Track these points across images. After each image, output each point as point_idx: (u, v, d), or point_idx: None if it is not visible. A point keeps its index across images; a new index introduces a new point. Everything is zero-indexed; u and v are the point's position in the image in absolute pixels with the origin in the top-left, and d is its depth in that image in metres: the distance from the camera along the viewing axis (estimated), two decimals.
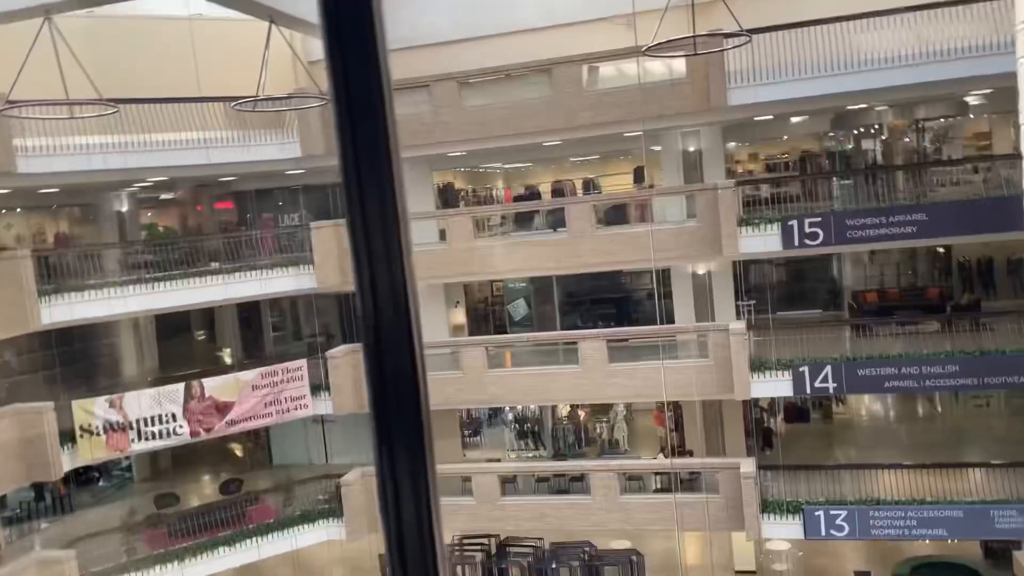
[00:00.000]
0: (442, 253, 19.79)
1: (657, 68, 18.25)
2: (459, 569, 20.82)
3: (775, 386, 17.96)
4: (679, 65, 17.93)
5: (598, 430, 22.76)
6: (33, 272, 16.56)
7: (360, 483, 20.04)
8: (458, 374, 19.85)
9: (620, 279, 24.00)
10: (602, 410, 23.29)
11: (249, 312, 26.01)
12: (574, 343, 19.30)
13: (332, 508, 20.11)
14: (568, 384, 19.02)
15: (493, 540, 21.16)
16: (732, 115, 18.39)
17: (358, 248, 1.34)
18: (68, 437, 17.13)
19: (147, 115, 17.81)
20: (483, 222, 21.33)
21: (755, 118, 19.75)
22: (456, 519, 20.01)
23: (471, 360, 19.61)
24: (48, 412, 16.55)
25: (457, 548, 21.33)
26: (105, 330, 24.05)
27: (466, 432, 24.36)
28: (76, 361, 21.90)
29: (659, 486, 19.48)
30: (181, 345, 27.07)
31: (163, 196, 28.43)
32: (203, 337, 28.44)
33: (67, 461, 17.08)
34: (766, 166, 25.31)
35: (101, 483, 23.86)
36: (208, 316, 28.04)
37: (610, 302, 23.86)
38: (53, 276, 17.49)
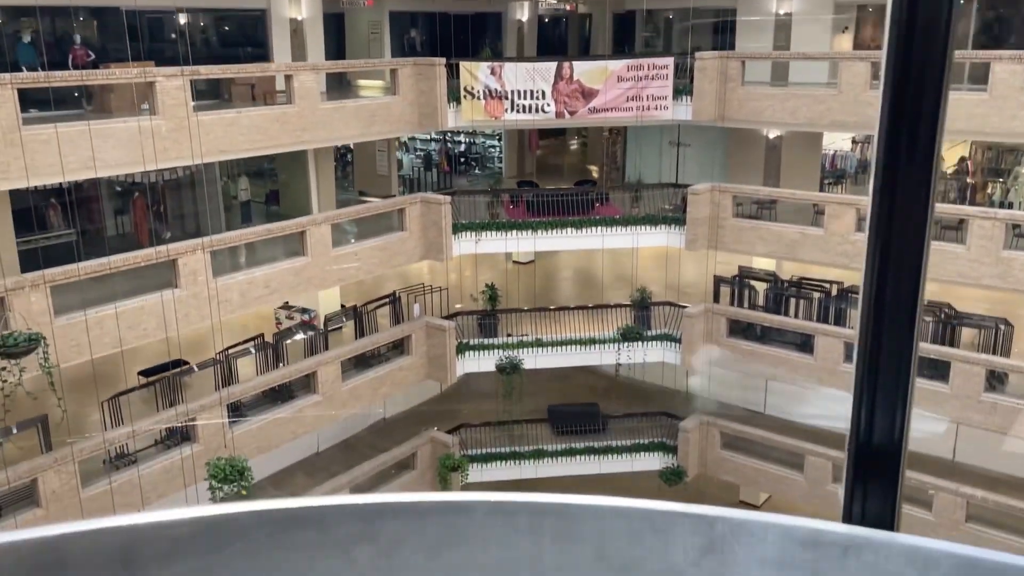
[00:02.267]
0: None
1: None
2: (794, 302, 20.23)
3: None
4: None
5: (989, 190, 19.72)
6: None
7: (707, 195, 19.87)
8: (833, 92, 18.14)
9: None
10: (997, 170, 20.05)
11: (624, 30, 25.96)
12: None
13: (676, 217, 20.32)
14: (966, 111, 16.29)
15: (835, 285, 20.07)
16: None
17: None
18: (454, 97, 18.95)
19: None
20: None
21: None
22: (801, 248, 19.14)
23: (851, 76, 17.66)
24: (440, 66, 18.34)
25: (794, 285, 20.66)
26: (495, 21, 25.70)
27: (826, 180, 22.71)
28: (460, 39, 23.75)
29: None
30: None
31: None
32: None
33: (451, 118, 19.01)
34: None
35: (476, 171, 26.71)
36: (585, 31, 28.56)
37: None
38: None
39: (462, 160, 26.48)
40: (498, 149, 26.81)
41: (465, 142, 27.62)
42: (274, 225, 16.43)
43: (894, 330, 1.38)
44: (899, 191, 1.37)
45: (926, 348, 17.99)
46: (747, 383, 23.36)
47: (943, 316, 18.13)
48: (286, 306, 20.60)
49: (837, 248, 18.35)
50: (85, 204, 16.98)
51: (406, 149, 26.54)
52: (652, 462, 21.71)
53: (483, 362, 20.69)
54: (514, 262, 28.00)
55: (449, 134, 28.09)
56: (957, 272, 16.88)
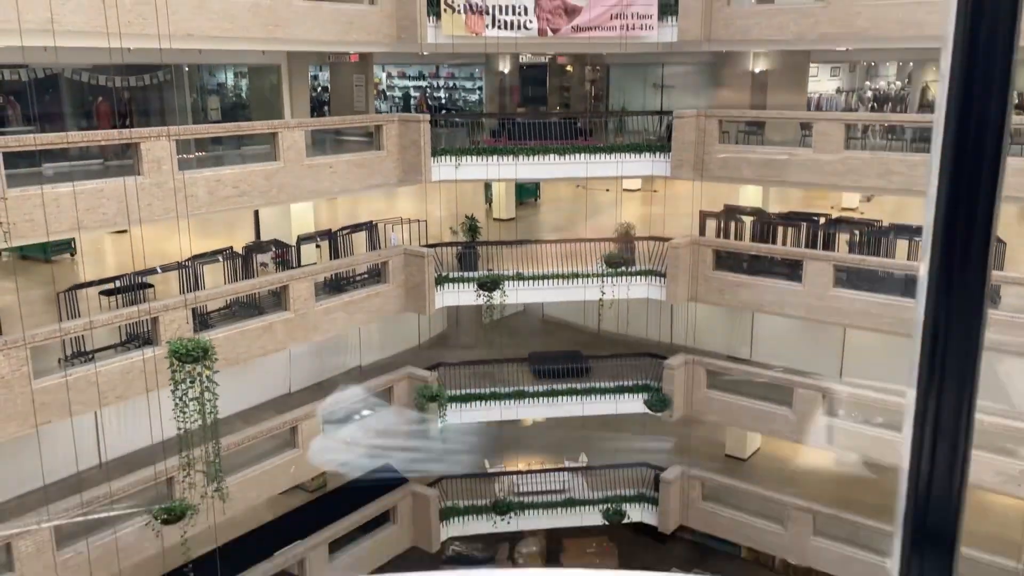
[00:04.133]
0: None
1: None
2: (782, 231, 19.80)
3: None
4: None
5: None
6: None
7: (693, 120, 19.45)
8: (821, 5, 17.83)
9: None
10: None
11: None
12: None
13: (661, 144, 19.88)
14: None
15: (824, 217, 19.69)
16: None
17: None
18: (434, 13, 18.44)
19: None
20: None
21: None
22: (790, 170, 18.73)
23: None
24: None
25: (782, 217, 20.25)
26: None
27: None
28: None
29: None
30: None
31: None
32: None
33: (431, 34, 18.48)
34: None
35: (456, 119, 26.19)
36: None
37: None
38: None
39: (442, 110, 25.95)
40: (478, 99, 26.33)
41: (444, 96, 27.16)
42: (245, 124, 15.78)
43: (952, 394, 1.21)
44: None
45: (913, 266, 17.61)
46: (733, 331, 22.89)
47: None
48: (257, 241, 19.87)
49: (826, 168, 17.95)
50: (45, 104, 16.20)
51: (384, 97, 26.02)
52: (636, 404, 21.07)
53: (462, 295, 20.01)
54: (495, 219, 27.48)
55: (428, 86, 27.61)
56: None
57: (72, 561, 13.50)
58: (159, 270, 15.15)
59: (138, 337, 14.55)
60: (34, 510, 13.39)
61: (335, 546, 18.57)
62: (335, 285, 18.34)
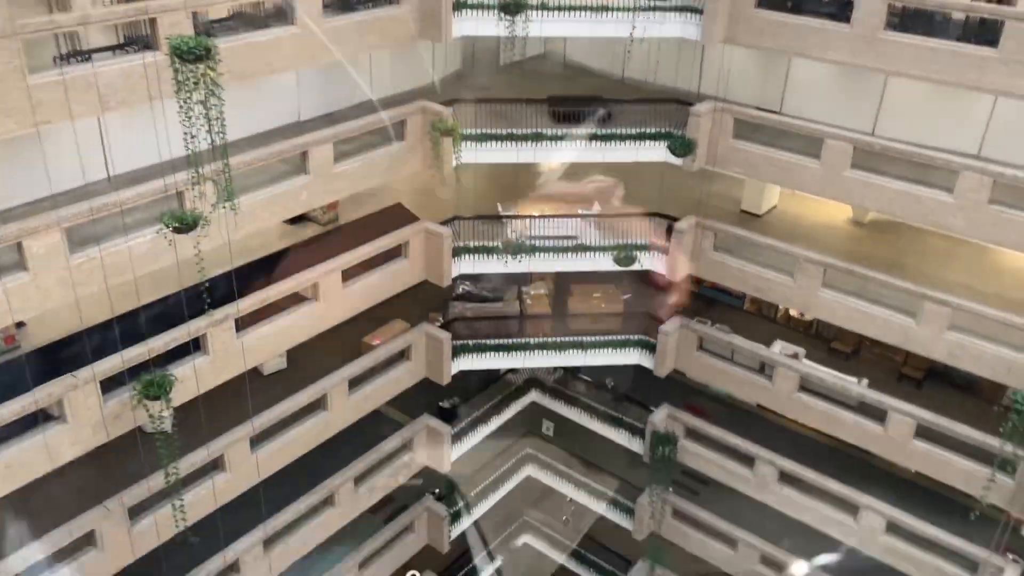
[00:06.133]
0: None
1: None
2: None
3: None
4: None
5: None
6: None
7: None
8: None
9: None
10: None
11: None
12: None
13: None
14: None
15: None
16: None
17: None
18: None
19: None
20: None
21: None
22: None
23: None
24: None
25: None
26: None
27: None
28: None
29: None
30: None
31: None
32: None
33: None
34: None
35: None
36: None
37: None
38: None
39: None
40: None
41: None
42: None
43: None
44: None
45: (975, 7, 16.15)
46: (766, 80, 21.65)
47: None
48: None
49: None
50: None
51: None
52: (658, 152, 20.38)
53: (482, 24, 18.60)
54: None
55: None
56: None
57: (86, 266, 13.55)
58: None
59: (137, 41, 13.59)
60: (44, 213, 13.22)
61: (348, 275, 18.81)
62: (346, 3, 16.97)
